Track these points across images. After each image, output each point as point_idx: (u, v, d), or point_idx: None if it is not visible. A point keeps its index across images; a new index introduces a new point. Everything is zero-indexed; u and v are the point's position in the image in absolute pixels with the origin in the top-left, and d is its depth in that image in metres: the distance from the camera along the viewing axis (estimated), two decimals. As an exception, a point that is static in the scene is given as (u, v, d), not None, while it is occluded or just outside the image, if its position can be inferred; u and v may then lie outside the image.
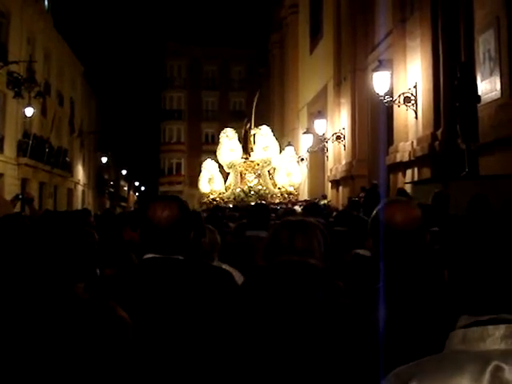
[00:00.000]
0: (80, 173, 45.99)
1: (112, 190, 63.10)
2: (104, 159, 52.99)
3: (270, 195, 19.81)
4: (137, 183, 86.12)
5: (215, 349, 2.38)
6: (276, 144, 21.18)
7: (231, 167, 20.62)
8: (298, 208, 15.95)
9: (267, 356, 2.47)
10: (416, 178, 13.88)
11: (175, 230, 2.54)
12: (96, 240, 4.00)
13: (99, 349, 1.68)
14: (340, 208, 17.15)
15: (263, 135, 20.62)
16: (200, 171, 21.60)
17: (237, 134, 21.45)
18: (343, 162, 22.19)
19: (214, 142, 57.63)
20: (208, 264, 3.34)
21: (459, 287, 1.47)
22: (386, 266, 2.28)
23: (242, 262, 4.48)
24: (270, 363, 2.48)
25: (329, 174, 24.66)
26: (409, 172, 14.88)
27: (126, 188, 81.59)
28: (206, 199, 21.10)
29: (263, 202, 18.59)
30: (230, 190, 20.30)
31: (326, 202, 19.91)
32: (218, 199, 20.23)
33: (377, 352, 2.00)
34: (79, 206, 39.83)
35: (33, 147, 30.17)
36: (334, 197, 23.11)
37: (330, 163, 24.80)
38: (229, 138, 21.05)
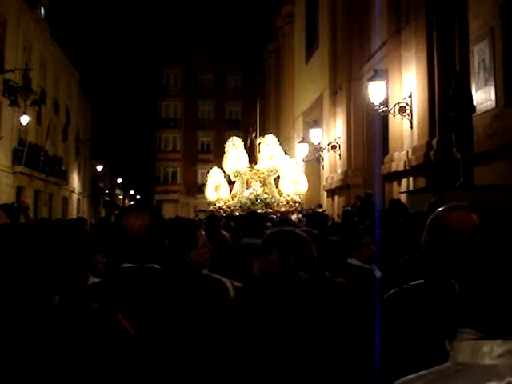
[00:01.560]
0: (75, 181, 45.93)
1: (107, 199, 62.99)
2: (99, 167, 52.94)
3: (276, 203, 19.89)
4: (132, 192, 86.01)
5: (193, 357, 2.37)
6: (282, 153, 21.28)
7: (237, 175, 20.69)
8: (294, 217, 15.95)
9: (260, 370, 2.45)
10: (411, 188, 13.89)
11: (148, 238, 2.54)
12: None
13: (104, 360, 1.67)
14: (336, 217, 17.16)
15: (269, 144, 20.71)
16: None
17: (243, 143, 21.53)
18: (338, 171, 22.21)
19: (210, 150, 57.75)
20: (189, 272, 3.34)
21: (471, 302, 1.44)
22: (440, 269, 2.29)
23: (238, 270, 4.48)
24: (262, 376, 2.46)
25: (324, 183, 24.69)
26: (404, 181, 14.90)
27: (121, 196, 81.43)
28: (212, 207, 21.20)
29: (270, 210, 18.67)
30: (237, 198, 20.36)
31: (321, 211, 19.92)
32: (224, 207, 20.31)
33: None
34: (74, 215, 39.78)
35: (28, 155, 30.16)
36: (330, 206, 23.14)
37: (325, 172, 24.83)
38: (235, 147, 21.13)
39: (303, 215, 16.78)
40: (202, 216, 21.47)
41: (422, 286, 2.36)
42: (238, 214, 18.74)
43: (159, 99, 58.01)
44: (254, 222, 5.92)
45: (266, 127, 38.72)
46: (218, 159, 56.12)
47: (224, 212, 19.30)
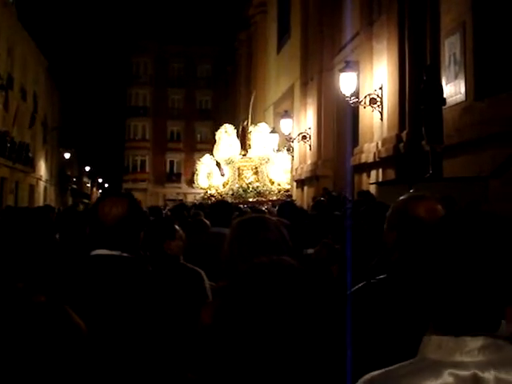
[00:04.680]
0: (42, 168, 45.32)
1: (75, 187, 62.37)
2: (67, 155, 52.34)
3: (267, 192, 20.00)
4: (100, 180, 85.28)
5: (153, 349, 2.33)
6: (274, 142, 21.35)
7: (229, 163, 20.70)
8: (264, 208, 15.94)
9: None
10: (380, 179, 13.97)
11: (120, 227, 2.48)
12: (57, 240, 3.90)
13: (51, 357, 1.59)
14: (305, 207, 17.19)
15: (261, 132, 20.76)
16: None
17: (235, 131, 21.62)
18: (308, 162, 22.25)
19: (180, 139, 57.47)
20: (169, 262, 3.31)
21: (429, 299, 1.41)
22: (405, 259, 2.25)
23: (205, 259, 4.48)
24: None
25: (294, 173, 24.72)
26: (373, 173, 14.97)
27: (89, 185, 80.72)
28: (204, 194, 21.27)
29: (262, 198, 18.75)
30: (228, 186, 20.37)
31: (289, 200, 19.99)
32: (216, 194, 20.35)
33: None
34: (41, 203, 39.26)
35: (-6, 142, 29.67)
36: (299, 196, 23.18)
37: (295, 163, 24.86)
38: (228, 134, 21.14)
39: (273, 205, 16.80)
40: (171, 205, 21.42)
41: (387, 280, 2.33)
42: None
43: (128, 87, 57.45)
44: (222, 211, 5.89)
45: (237, 117, 38.62)
46: (187, 148, 56.15)
47: (216, 199, 19.38)
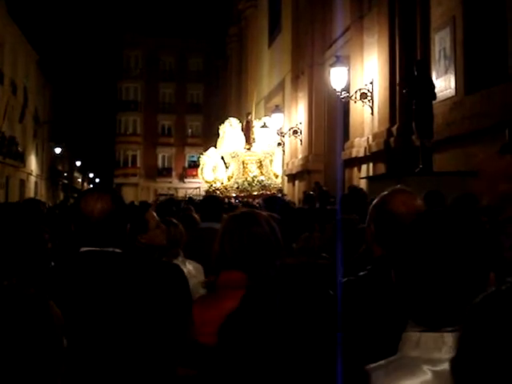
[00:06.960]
0: (33, 163, 45.13)
1: (66, 182, 62.15)
2: (58, 150, 52.13)
3: (272, 186, 20.17)
4: (91, 175, 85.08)
5: (156, 346, 2.33)
6: (274, 136, 21.51)
7: (234, 157, 20.79)
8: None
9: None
10: (371, 174, 14.01)
11: (108, 222, 2.45)
12: (47, 237, 3.85)
13: (23, 346, 1.57)
14: (297, 202, 17.22)
15: (266, 127, 20.93)
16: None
17: (240, 124, 21.73)
18: (299, 157, 22.26)
19: (171, 134, 57.33)
20: (150, 258, 3.30)
21: (407, 294, 1.41)
22: (388, 255, 2.24)
23: (196, 254, 4.49)
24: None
25: (285, 168, 24.73)
26: (364, 167, 15.00)
27: (80, 180, 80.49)
28: (209, 188, 21.38)
29: (267, 192, 18.88)
30: (233, 180, 20.46)
31: (280, 195, 20.08)
32: (221, 188, 20.45)
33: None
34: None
35: (-16, 136, 29.52)
36: (290, 191, 23.19)
37: (286, 157, 24.86)
38: (232, 128, 21.24)
39: (262, 199, 16.83)
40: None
41: (369, 277, 2.33)
42: (234, 194, 19.05)
43: (119, 81, 57.20)
44: (212, 206, 5.89)
45: (227, 111, 38.56)
46: (178, 143, 56.02)
47: (221, 193, 19.40)
